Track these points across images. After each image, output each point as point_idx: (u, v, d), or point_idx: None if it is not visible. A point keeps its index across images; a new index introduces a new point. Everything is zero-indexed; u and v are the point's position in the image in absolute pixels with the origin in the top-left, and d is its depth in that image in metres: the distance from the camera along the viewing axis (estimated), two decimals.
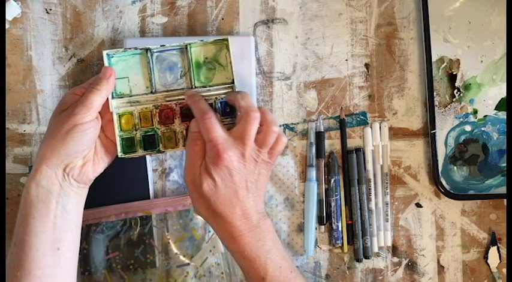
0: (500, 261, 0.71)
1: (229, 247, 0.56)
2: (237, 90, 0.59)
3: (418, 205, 0.72)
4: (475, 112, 0.71)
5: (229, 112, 0.60)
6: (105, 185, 0.66)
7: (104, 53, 0.59)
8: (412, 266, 0.71)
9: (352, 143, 0.72)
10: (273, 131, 0.56)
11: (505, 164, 0.71)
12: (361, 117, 0.72)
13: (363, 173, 0.71)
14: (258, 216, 0.56)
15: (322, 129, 0.71)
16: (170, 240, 0.67)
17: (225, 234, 0.56)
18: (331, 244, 0.71)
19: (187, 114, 0.60)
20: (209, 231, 0.67)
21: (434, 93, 0.70)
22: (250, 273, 0.56)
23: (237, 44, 0.66)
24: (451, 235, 0.71)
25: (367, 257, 0.71)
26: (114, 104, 0.59)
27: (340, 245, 0.71)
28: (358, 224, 0.71)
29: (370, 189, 0.71)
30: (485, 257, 0.71)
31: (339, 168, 0.71)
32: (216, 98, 0.60)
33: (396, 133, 0.72)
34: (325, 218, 0.71)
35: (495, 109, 0.71)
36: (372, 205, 0.71)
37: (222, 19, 0.72)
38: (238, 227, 0.55)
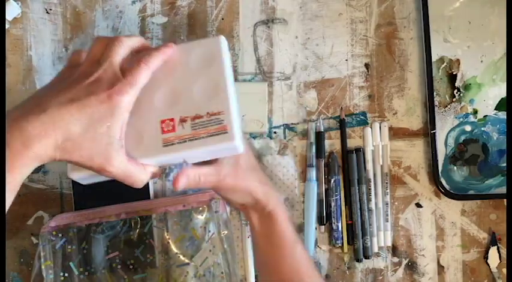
0: (500, 261, 0.71)
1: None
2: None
3: (418, 205, 0.72)
4: (475, 112, 0.71)
5: None
6: (105, 185, 0.66)
7: None
8: (412, 266, 0.71)
9: (352, 143, 0.72)
10: None
11: (505, 164, 0.71)
12: (361, 117, 0.72)
13: (363, 173, 0.71)
14: None
15: (322, 129, 0.71)
16: (170, 240, 0.67)
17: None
18: (331, 244, 0.71)
19: None
20: (209, 231, 0.67)
21: (434, 93, 0.70)
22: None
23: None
24: (451, 235, 0.71)
25: (367, 257, 0.71)
26: None
27: (340, 245, 0.71)
28: (358, 224, 0.71)
29: (370, 189, 0.71)
30: (485, 257, 0.71)
31: (339, 168, 0.71)
32: None
33: (396, 133, 0.72)
34: (325, 218, 0.71)
35: (495, 109, 0.71)
36: (372, 205, 0.71)
37: (222, 19, 0.72)
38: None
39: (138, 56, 0.51)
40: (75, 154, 0.46)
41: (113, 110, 0.47)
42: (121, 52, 0.50)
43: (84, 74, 0.48)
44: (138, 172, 0.49)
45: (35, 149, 0.45)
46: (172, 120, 0.50)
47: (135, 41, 0.52)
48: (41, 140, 0.45)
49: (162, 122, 0.50)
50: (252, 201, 0.58)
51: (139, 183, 0.50)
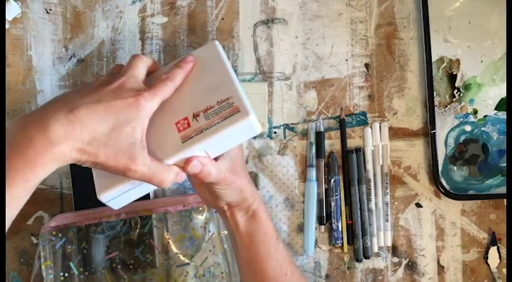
0: (500, 261, 0.71)
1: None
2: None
3: (418, 205, 0.72)
4: (475, 112, 0.71)
5: None
6: None
7: None
8: (412, 266, 0.71)
9: (352, 143, 0.72)
10: None
11: (505, 164, 0.71)
12: (361, 117, 0.72)
13: (363, 173, 0.71)
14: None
15: (322, 129, 0.71)
16: (170, 240, 0.67)
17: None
18: (331, 244, 0.71)
19: None
20: (209, 231, 0.68)
21: (434, 93, 0.70)
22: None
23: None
24: (451, 235, 0.71)
25: (367, 257, 0.71)
26: None
27: (340, 245, 0.71)
28: (358, 224, 0.71)
29: (370, 189, 0.71)
30: (485, 257, 0.71)
31: (339, 168, 0.71)
32: None
33: (396, 133, 0.72)
34: (325, 218, 0.71)
35: (495, 109, 0.71)
36: (372, 205, 0.71)
37: (222, 19, 0.72)
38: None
39: (161, 72, 0.54)
40: (100, 155, 0.47)
41: (138, 113, 0.48)
42: (141, 66, 0.53)
43: (107, 81, 0.50)
44: (163, 170, 0.50)
45: (61, 147, 0.45)
46: (186, 119, 0.52)
47: (151, 61, 0.55)
48: (68, 138, 0.46)
49: (177, 123, 0.52)
50: (239, 200, 0.58)
51: (166, 182, 0.50)
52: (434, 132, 0.70)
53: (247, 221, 0.60)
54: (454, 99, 0.71)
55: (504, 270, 0.71)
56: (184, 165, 0.51)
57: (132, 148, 0.48)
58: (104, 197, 0.52)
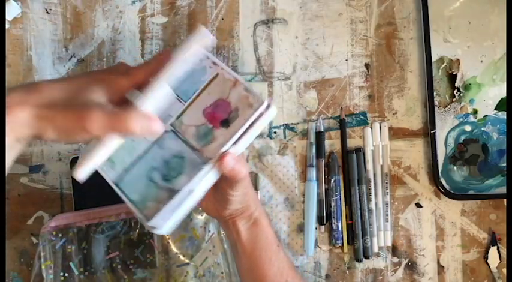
0: (500, 261, 0.71)
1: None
2: None
3: (418, 205, 0.72)
4: (475, 112, 0.71)
5: None
6: (105, 185, 0.66)
7: None
8: (412, 266, 0.71)
9: (352, 143, 0.72)
10: None
11: (505, 164, 0.71)
12: (361, 117, 0.72)
13: (363, 173, 0.71)
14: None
15: (322, 129, 0.71)
16: (170, 240, 0.67)
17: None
18: (331, 244, 0.71)
19: None
20: (209, 231, 0.68)
21: (434, 93, 0.70)
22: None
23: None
24: (451, 235, 0.71)
25: (367, 257, 0.71)
26: None
27: (340, 245, 0.71)
28: (358, 224, 0.71)
29: (370, 189, 0.71)
30: (485, 257, 0.71)
31: (339, 168, 0.71)
32: None
33: (396, 133, 0.72)
34: (325, 218, 0.71)
35: (495, 109, 0.71)
36: (372, 205, 0.71)
37: (222, 19, 0.72)
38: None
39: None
40: (57, 118, 0.43)
41: (105, 85, 0.47)
42: (122, 67, 0.52)
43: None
44: (128, 115, 0.45)
45: (16, 113, 0.43)
46: None
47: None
48: (24, 102, 0.43)
49: None
50: (243, 207, 0.58)
51: (133, 127, 0.45)
52: (434, 132, 0.70)
53: (249, 229, 0.59)
54: (454, 99, 0.71)
55: (504, 270, 0.71)
56: (218, 163, 0.49)
57: (92, 103, 0.45)
58: (78, 173, 0.47)
